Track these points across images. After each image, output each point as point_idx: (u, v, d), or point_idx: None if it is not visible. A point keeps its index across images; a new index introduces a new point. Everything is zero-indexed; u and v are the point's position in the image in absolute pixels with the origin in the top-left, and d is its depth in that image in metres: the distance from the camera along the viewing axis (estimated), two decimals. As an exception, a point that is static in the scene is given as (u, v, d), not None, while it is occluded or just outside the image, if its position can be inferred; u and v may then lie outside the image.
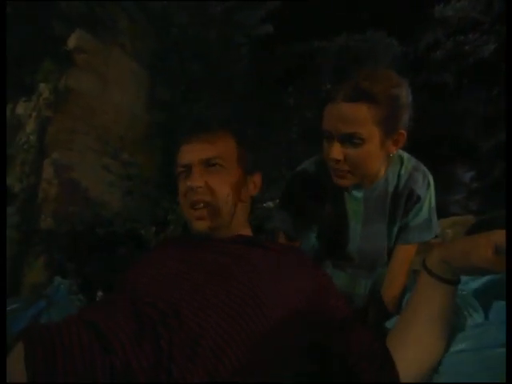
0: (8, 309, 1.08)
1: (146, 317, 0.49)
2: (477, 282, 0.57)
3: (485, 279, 0.58)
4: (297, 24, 3.60)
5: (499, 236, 0.43)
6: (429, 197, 0.82)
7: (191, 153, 0.68)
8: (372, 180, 0.80)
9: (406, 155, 0.84)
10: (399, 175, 0.82)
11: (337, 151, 0.70)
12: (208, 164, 0.67)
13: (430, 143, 3.25)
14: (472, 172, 3.60)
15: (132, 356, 0.45)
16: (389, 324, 0.66)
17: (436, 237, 0.87)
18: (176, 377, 0.44)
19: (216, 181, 0.66)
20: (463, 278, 0.54)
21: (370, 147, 0.70)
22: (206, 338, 0.48)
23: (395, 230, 0.85)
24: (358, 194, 0.83)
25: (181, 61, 2.81)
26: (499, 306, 0.49)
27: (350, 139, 0.69)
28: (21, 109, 2.19)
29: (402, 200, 0.82)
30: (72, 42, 2.11)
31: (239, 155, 0.71)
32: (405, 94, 0.72)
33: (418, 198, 0.81)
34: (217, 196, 0.66)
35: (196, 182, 0.65)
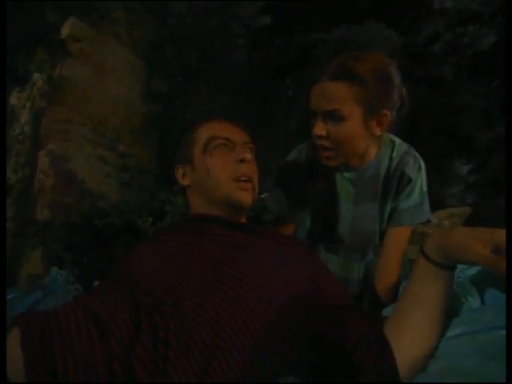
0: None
1: (142, 304, 0.49)
2: (473, 269, 0.57)
3: (481, 266, 0.58)
4: (295, 15, 3.55)
5: (501, 235, 0.42)
6: (420, 180, 0.83)
7: (232, 131, 0.71)
8: (361, 161, 0.82)
9: (397, 140, 0.85)
10: (391, 158, 0.83)
11: (319, 127, 0.73)
12: (248, 146, 0.72)
13: (428, 136, 3.25)
14: (469, 165, 3.62)
15: (130, 342, 0.45)
16: (385, 312, 0.66)
17: (429, 221, 0.87)
18: (173, 362, 0.44)
19: (253, 162, 0.72)
20: (460, 266, 0.54)
21: (351, 125, 0.71)
22: (203, 324, 0.48)
23: (387, 211, 0.86)
24: (349, 174, 0.85)
25: (178, 51, 2.77)
26: (495, 290, 0.50)
27: (331, 116, 0.72)
28: (14, 99, 2.15)
29: (394, 182, 0.83)
30: (65, 30, 2.07)
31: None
32: (392, 75, 0.73)
33: (409, 180, 0.82)
34: (254, 174, 0.71)
35: (248, 156, 0.69)
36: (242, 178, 0.68)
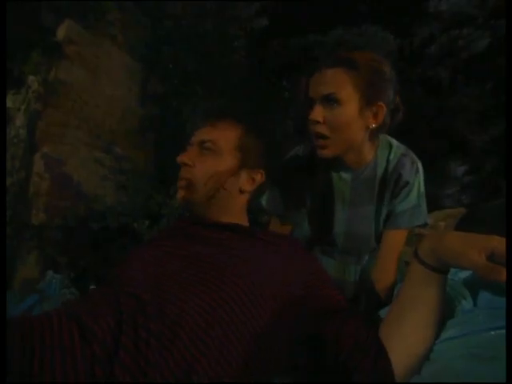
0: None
1: (125, 306, 0.49)
2: (466, 272, 0.57)
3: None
4: (292, 17, 3.56)
5: (498, 243, 0.41)
6: (417, 183, 0.83)
7: (196, 135, 0.72)
8: (358, 161, 0.82)
9: (395, 142, 0.85)
10: (388, 160, 0.83)
11: (317, 112, 0.74)
12: (203, 147, 0.70)
13: (424, 137, 3.27)
14: (465, 166, 3.64)
15: (113, 344, 0.45)
16: (382, 313, 0.66)
17: (426, 224, 0.87)
18: (152, 365, 0.43)
19: (203, 161, 0.69)
20: (453, 268, 0.54)
21: (348, 110, 0.72)
22: (185, 328, 0.47)
23: (383, 214, 0.86)
24: (346, 175, 0.85)
25: (174, 53, 2.77)
26: (487, 293, 0.50)
27: (328, 100, 0.73)
28: (10, 102, 2.14)
29: (390, 184, 0.83)
30: (61, 32, 2.06)
31: (240, 144, 0.71)
32: (386, 70, 0.75)
33: (406, 183, 0.82)
34: (197, 173, 0.69)
35: (184, 157, 0.69)
36: (180, 181, 0.70)
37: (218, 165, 0.69)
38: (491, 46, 3.42)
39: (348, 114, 0.73)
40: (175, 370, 0.44)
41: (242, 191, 0.72)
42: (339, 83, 0.72)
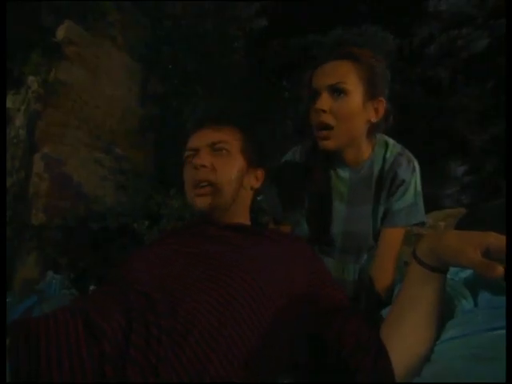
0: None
1: (135, 304, 0.49)
2: (466, 272, 0.57)
3: (474, 269, 0.58)
4: (292, 17, 3.58)
5: (494, 239, 0.41)
6: (414, 181, 0.83)
7: (200, 138, 0.72)
8: (356, 159, 0.83)
9: (391, 141, 0.86)
10: (384, 159, 0.84)
11: (323, 101, 0.74)
12: (214, 148, 0.70)
13: (424, 137, 3.27)
14: (465, 166, 3.65)
15: (124, 344, 0.45)
16: (384, 313, 0.66)
17: (423, 223, 0.87)
18: (164, 362, 0.43)
19: (221, 163, 0.69)
20: (453, 268, 0.55)
21: (354, 100, 0.74)
22: (198, 326, 0.48)
23: (380, 212, 0.86)
24: (344, 173, 0.85)
25: (174, 53, 2.77)
26: (488, 293, 0.50)
27: (334, 90, 0.74)
28: (9, 102, 2.14)
29: (387, 182, 0.83)
30: (61, 33, 2.06)
31: (244, 147, 0.73)
32: (383, 68, 0.77)
33: (402, 181, 0.82)
34: (220, 176, 0.68)
35: (202, 160, 0.68)
36: (200, 184, 0.68)
37: (234, 164, 0.70)
38: (491, 46, 3.43)
39: (353, 105, 0.74)
40: (188, 367, 0.44)
41: (252, 189, 0.75)
42: (345, 73, 0.73)
